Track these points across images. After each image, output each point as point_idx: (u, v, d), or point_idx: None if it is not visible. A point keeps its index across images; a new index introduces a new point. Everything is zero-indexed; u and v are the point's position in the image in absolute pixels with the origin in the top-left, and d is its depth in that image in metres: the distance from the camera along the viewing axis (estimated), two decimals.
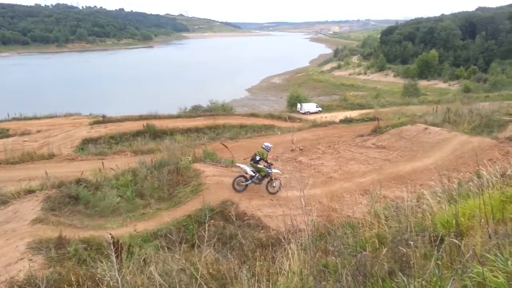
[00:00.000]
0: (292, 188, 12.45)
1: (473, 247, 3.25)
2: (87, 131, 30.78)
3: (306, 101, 52.42)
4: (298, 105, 48.57)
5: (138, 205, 12.83)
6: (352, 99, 57.65)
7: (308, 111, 45.94)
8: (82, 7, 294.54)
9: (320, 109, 47.59)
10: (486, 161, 7.64)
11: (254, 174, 12.99)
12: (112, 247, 4.87)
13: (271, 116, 38.25)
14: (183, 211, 11.76)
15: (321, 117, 38.46)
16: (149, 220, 11.67)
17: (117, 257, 4.38)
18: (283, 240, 4.80)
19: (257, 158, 13.14)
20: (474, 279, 2.75)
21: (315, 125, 28.76)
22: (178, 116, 36.21)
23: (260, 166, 13.10)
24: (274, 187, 13.29)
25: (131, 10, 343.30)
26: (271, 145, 13.90)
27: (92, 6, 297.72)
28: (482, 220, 3.95)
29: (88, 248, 9.22)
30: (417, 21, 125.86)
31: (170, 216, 11.69)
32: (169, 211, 12.32)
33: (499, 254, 2.85)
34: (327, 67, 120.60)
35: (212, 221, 10.27)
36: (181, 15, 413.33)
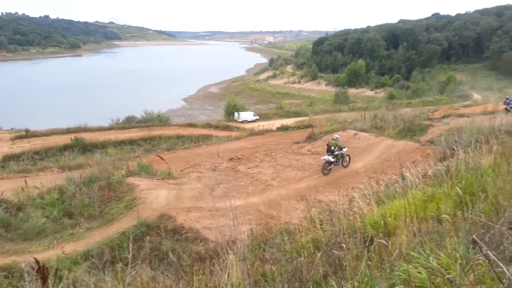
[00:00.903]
0: (232, 198, 12.39)
1: (399, 246, 3.41)
2: (8, 147, 28.37)
3: (244, 109, 52.83)
4: (236, 114, 48.79)
5: (66, 225, 11.96)
6: (288, 107, 59.13)
7: (246, 120, 46.31)
8: (2, 13, 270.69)
9: (258, 117, 48.20)
10: (409, 163, 8.19)
11: (334, 160, 16.99)
12: (35, 272, 4.44)
13: (208, 125, 37.98)
14: (116, 229, 11.16)
15: (259, 125, 38.88)
16: (79, 241, 10.92)
17: (42, 283, 3.99)
18: (220, 252, 4.72)
19: (332, 148, 16.99)
20: (400, 277, 2.87)
21: (252, 133, 29.02)
22: (110, 128, 34.67)
23: (337, 153, 17.09)
24: (346, 161, 17.73)
25: (57, 17, 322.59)
26: (339, 136, 18.41)
27: (13, 12, 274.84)
28: (407, 219, 4.18)
29: (9, 276, 8.39)
30: (346, 32, 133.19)
31: (102, 235, 11.04)
32: (101, 230, 11.63)
33: (421, 251, 3.00)
34: (263, 76, 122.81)
35: (148, 237, 9.85)
36: (112, 22, 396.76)
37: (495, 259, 1.93)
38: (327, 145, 17.34)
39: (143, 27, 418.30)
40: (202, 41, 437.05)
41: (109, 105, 65.73)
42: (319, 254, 4.09)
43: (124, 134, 32.26)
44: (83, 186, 13.83)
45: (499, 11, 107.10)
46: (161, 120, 39.77)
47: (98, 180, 14.11)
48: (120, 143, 29.54)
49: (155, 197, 13.08)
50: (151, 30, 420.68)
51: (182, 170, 18.64)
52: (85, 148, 27.93)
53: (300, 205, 10.95)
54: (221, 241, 6.27)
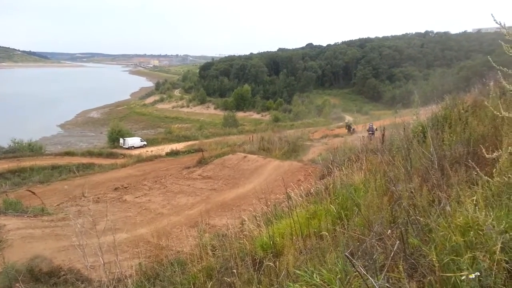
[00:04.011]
0: (118, 231, 11.51)
1: (286, 265, 3.52)
2: None
3: (130, 135, 50.51)
4: (121, 140, 46.31)
5: None
6: (177, 131, 58.51)
7: (132, 146, 44.24)
8: None
9: (145, 143, 46.53)
10: (293, 183, 8.69)
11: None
12: None
13: (89, 153, 35.35)
14: None
15: (147, 151, 37.53)
16: None
17: None
18: None
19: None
20: None
21: (140, 160, 27.83)
22: None
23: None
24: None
25: None
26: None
27: None
28: (293, 237, 4.37)
29: None
30: (231, 59, 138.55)
31: None
32: None
33: (306, 269, 3.13)
34: (149, 100, 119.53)
35: (17, 284, 8.49)
36: None
37: (365, 273, 2.11)
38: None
39: (8, 47, 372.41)
40: (79, 63, 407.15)
41: None
42: (210, 283, 4.02)
43: None
44: None
45: (361, 43, 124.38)
46: (32, 150, 35.69)
47: None
48: None
49: (26, 238, 11.45)
50: (19, 50, 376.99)
51: (58, 205, 16.78)
52: None
53: (192, 231, 10.71)
54: (105, 280, 5.75)
